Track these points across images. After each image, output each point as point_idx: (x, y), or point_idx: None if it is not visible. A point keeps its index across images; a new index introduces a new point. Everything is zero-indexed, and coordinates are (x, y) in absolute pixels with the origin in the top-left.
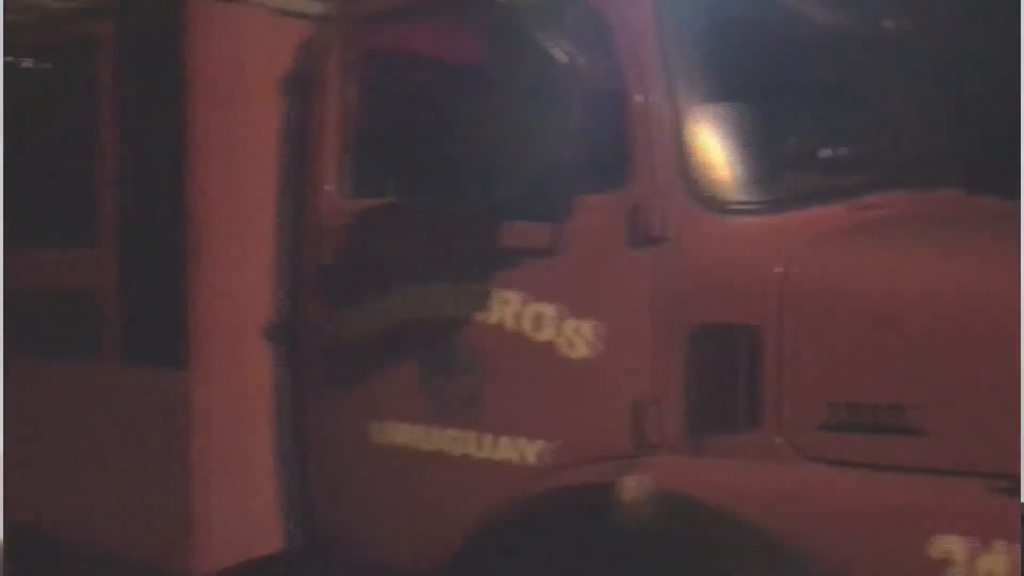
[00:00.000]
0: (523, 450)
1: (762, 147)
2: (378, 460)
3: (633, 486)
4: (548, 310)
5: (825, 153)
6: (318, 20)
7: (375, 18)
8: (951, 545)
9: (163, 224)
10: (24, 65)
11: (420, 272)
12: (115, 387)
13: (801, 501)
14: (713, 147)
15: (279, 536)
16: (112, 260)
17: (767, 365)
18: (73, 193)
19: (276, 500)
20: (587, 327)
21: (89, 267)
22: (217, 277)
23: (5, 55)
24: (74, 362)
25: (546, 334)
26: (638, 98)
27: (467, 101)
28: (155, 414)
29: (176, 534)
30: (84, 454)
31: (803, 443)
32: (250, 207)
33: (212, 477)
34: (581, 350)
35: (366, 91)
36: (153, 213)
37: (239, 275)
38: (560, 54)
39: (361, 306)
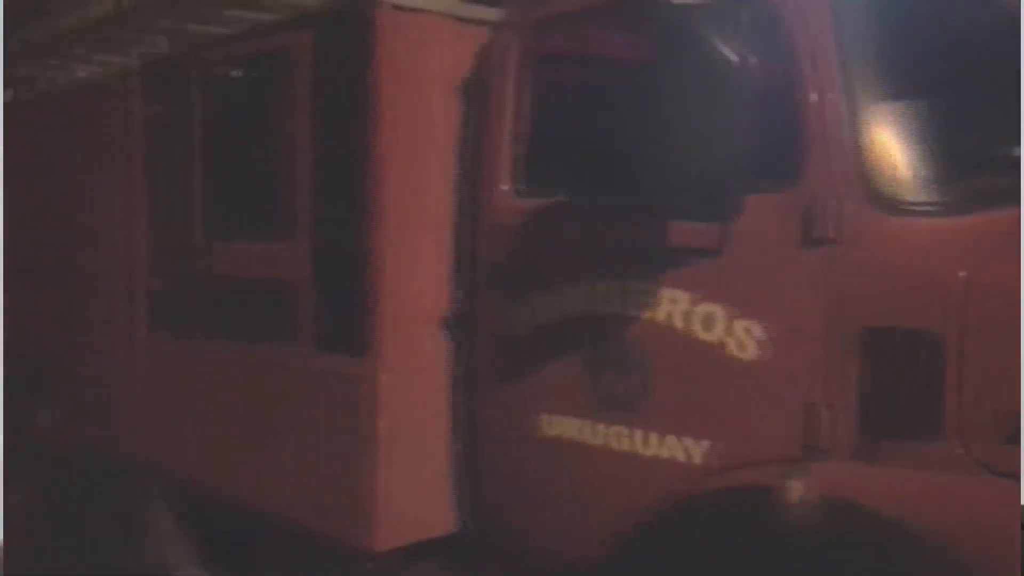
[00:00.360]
0: (687, 449)
1: (941, 146)
2: (544, 451)
3: (800, 490)
4: (716, 310)
5: (1008, 152)
6: (494, 26)
7: (548, 22)
8: None
9: (350, 221)
10: (227, 74)
11: (588, 269)
12: (306, 372)
13: (981, 516)
14: (890, 146)
15: (449, 519)
16: (305, 254)
17: (948, 372)
18: (272, 191)
19: (448, 484)
20: (755, 328)
21: (285, 260)
22: (398, 271)
23: (213, 66)
24: (270, 348)
25: (713, 334)
26: (813, 96)
27: (638, 101)
28: (341, 398)
29: (356, 511)
30: (276, 432)
31: (985, 455)
32: (430, 205)
33: (391, 459)
34: (749, 351)
35: (538, 93)
36: (342, 211)
37: (419, 270)
38: (732, 54)
39: (531, 301)
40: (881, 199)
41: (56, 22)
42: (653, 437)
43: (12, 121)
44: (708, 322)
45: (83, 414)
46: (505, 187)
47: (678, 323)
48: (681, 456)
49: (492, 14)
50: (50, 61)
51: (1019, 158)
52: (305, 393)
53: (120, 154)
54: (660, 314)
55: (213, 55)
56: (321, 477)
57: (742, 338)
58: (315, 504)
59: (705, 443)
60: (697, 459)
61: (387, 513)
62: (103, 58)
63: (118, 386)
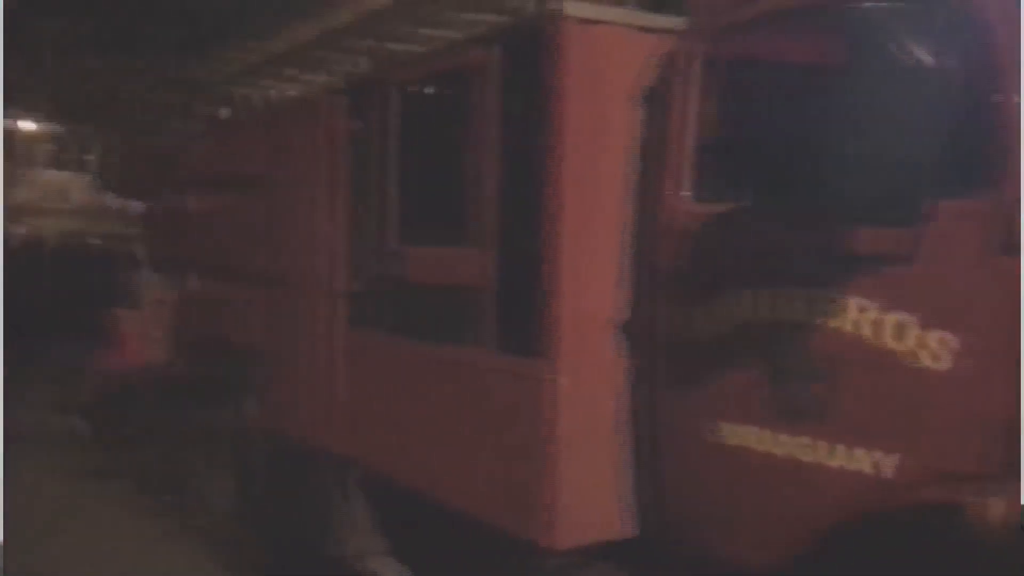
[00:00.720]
0: (874, 462)
1: None
2: (722, 458)
3: (1001, 510)
4: (904, 319)
5: None
6: (676, 34)
7: (731, 28)
8: None
9: (532, 227)
10: (421, 90)
11: (767, 276)
12: (489, 372)
13: None
14: None
15: (627, 523)
16: (490, 260)
17: None
18: (460, 200)
19: (626, 488)
20: (949, 338)
21: (471, 265)
22: (577, 276)
23: (408, 82)
24: (457, 348)
25: (903, 344)
26: (1013, 99)
27: (821, 105)
28: (521, 398)
29: (535, 510)
30: (461, 429)
31: None
32: (609, 211)
33: (569, 460)
34: (941, 362)
35: (719, 99)
36: (524, 218)
37: (597, 274)
38: (923, 56)
39: (708, 307)
40: None
41: (269, 46)
42: (838, 448)
43: (230, 137)
44: (897, 331)
45: (286, 407)
46: (685, 192)
47: (863, 332)
48: (867, 469)
49: (674, 23)
50: (263, 81)
51: None
52: (488, 392)
53: (324, 166)
54: (846, 322)
55: (408, 72)
56: (503, 474)
57: (934, 348)
58: (496, 501)
59: (893, 456)
60: (884, 472)
61: (565, 513)
62: (310, 77)
63: (318, 381)
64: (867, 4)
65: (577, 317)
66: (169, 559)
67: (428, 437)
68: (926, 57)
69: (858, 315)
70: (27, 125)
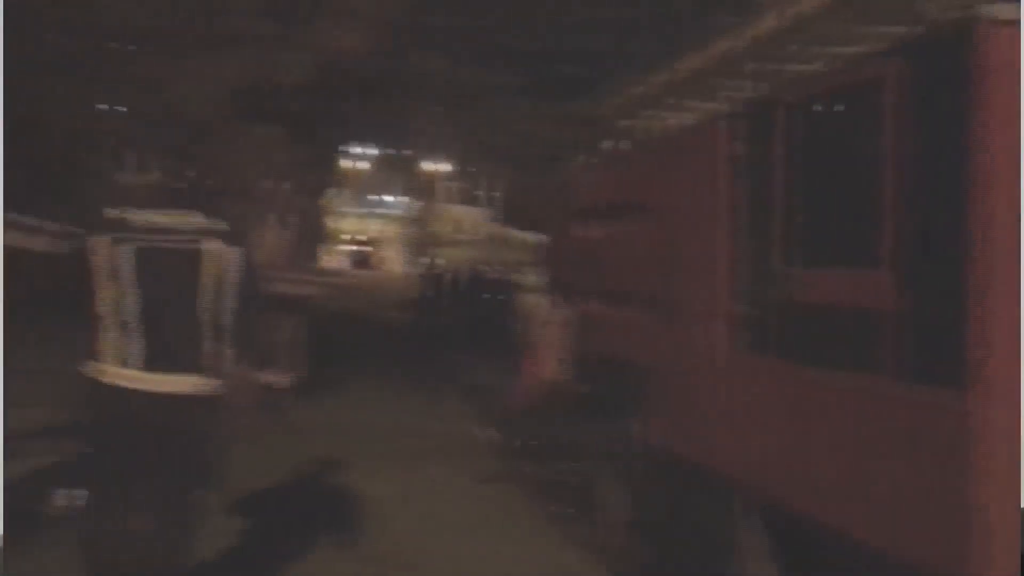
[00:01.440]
0: None
1: None
2: None
3: None
4: None
5: None
6: None
7: None
8: None
9: (945, 246)
10: (810, 108)
11: None
12: (893, 401)
13: None
14: None
15: None
16: (892, 280)
17: None
18: (853, 219)
19: None
20: None
21: (868, 287)
22: (999, 299)
23: (796, 102)
24: (852, 375)
25: None
26: None
27: None
28: (937, 431)
29: (955, 545)
30: (861, 458)
31: None
32: None
33: (992, 495)
34: None
35: None
36: (936, 235)
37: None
38: None
39: None
40: None
41: (651, 78)
42: None
43: (616, 166)
44: None
45: (673, 425)
46: None
47: None
48: None
49: None
50: (644, 112)
51: None
52: (892, 422)
53: (709, 190)
54: None
55: (800, 90)
56: (913, 509)
57: None
58: (906, 533)
59: None
60: None
61: (991, 550)
62: (692, 104)
63: (703, 402)
64: None
65: (998, 342)
66: (560, 568)
67: (826, 465)
68: None
69: None
70: (428, 166)
